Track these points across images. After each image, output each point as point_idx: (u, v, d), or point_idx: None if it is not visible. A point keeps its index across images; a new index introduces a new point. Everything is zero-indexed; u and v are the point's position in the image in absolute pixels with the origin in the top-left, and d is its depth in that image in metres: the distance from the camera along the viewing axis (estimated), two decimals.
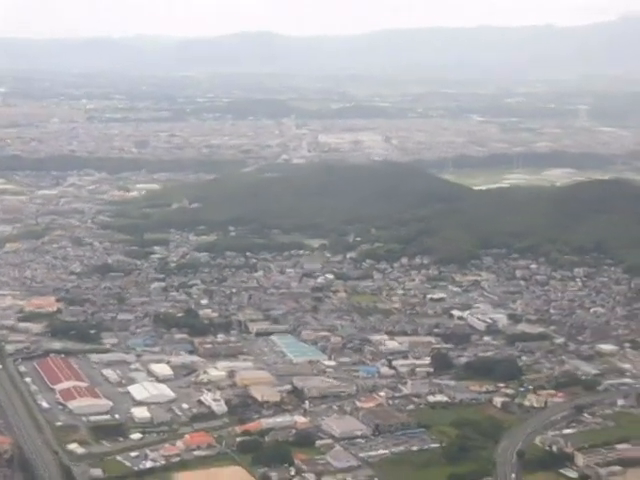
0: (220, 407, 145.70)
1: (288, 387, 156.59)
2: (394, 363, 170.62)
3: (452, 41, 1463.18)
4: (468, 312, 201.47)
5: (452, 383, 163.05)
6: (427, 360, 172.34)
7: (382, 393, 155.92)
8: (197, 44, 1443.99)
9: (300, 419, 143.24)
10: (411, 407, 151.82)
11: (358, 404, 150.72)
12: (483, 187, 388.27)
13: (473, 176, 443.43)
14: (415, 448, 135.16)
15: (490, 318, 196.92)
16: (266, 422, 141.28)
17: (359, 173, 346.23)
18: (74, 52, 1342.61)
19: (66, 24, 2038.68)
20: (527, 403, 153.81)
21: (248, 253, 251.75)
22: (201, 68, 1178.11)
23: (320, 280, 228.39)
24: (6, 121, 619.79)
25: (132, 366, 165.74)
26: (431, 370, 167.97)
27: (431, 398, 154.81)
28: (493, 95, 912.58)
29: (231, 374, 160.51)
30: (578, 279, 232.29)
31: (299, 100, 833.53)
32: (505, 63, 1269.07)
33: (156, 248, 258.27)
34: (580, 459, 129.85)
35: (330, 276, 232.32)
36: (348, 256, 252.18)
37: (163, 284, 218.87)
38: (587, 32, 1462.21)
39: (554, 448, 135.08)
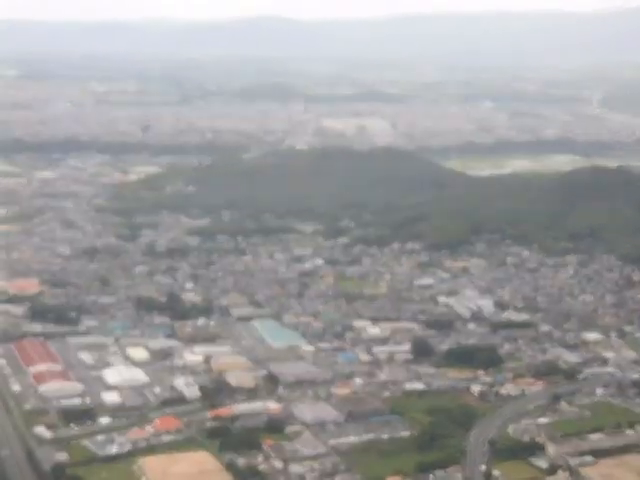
0: (192, 392, 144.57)
1: (264, 372, 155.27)
2: (373, 349, 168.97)
3: (466, 27, 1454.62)
4: (454, 298, 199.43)
5: (431, 370, 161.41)
6: (407, 347, 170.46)
7: (358, 379, 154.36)
8: (206, 27, 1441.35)
9: (272, 405, 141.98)
10: (387, 394, 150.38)
11: (333, 390, 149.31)
12: (485, 173, 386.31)
13: (478, 162, 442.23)
14: (386, 436, 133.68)
15: (476, 305, 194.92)
16: (237, 408, 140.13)
17: (357, 159, 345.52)
18: (88, 34, 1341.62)
19: (82, 6, 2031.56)
20: (504, 391, 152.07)
21: (239, 237, 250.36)
22: (208, 51, 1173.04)
23: (308, 265, 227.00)
24: (14, 103, 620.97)
25: (110, 349, 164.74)
26: (410, 357, 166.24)
27: (408, 385, 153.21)
28: (505, 81, 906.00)
29: (207, 359, 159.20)
30: (570, 266, 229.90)
31: (308, 85, 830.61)
32: (519, 49, 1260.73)
33: (145, 231, 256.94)
34: (551, 449, 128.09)
35: (319, 261, 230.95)
36: (339, 241, 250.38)
37: (148, 267, 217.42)
38: (603, 18, 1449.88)
39: (526, 437, 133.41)
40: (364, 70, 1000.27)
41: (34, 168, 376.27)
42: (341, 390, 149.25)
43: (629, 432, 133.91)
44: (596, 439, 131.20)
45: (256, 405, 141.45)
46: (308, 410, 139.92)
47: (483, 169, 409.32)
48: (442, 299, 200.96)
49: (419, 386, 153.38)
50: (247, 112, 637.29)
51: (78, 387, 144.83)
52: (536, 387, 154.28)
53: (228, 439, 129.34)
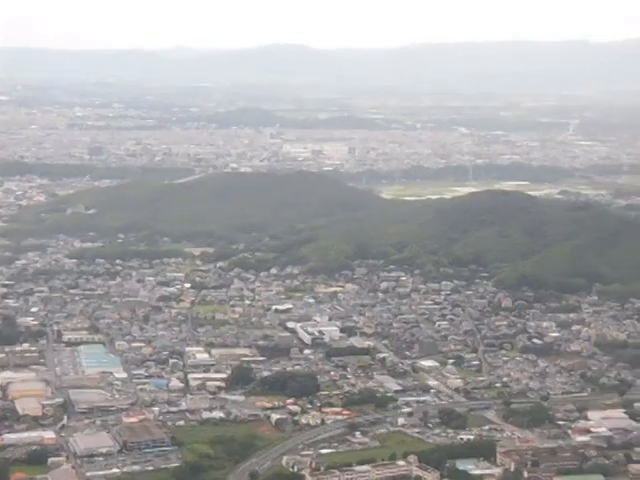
0: None
1: (60, 400, 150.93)
2: (189, 376, 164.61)
3: (482, 55, 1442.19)
4: (300, 324, 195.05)
5: (241, 398, 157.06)
6: (225, 374, 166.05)
7: (156, 408, 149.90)
8: (225, 55, 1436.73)
9: (48, 435, 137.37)
10: (181, 423, 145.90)
11: (124, 419, 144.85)
12: (411, 197, 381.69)
13: (421, 187, 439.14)
14: (151, 467, 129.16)
15: (319, 331, 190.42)
16: (9, 438, 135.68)
17: (272, 181, 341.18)
18: (107, 63, 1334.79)
19: (107, 35, 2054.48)
20: (304, 421, 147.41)
21: (118, 260, 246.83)
22: (224, 79, 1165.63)
23: (173, 289, 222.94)
24: None
25: None
26: (223, 385, 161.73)
27: (206, 414, 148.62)
28: (494, 108, 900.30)
29: (5, 386, 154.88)
30: (443, 292, 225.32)
31: (291, 110, 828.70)
32: (529, 77, 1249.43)
33: (30, 254, 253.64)
34: None
35: (187, 285, 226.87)
36: (218, 265, 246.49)
37: (5, 290, 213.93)
38: (619, 47, 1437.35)
39: (295, 469, 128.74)
40: (363, 97, 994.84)
41: None
42: (130, 419, 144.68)
43: (400, 463, 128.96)
44: (361, 471, 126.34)
45: (30, 435, 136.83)
46: (81, 440, 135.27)
47: (425, 193, 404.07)
48: (291, 325, 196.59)
49: (218, 415, 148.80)
50: (216, 136, 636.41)
51: None
52: (340, 416, 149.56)
53: None
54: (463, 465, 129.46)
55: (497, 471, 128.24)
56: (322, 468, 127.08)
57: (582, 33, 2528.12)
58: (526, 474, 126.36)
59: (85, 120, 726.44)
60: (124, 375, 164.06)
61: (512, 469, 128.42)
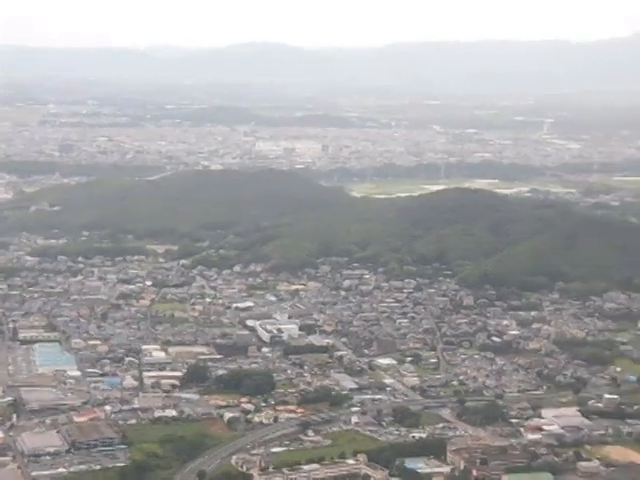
0: None
1: (10, 399, 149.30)
2: (144, 375, 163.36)
3: (464, 55, 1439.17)
4: (260, 322, 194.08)
5: (195, 397, 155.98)
6: (180, 372, 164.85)
7: (108, 407, 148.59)
8: (208, 54, 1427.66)
9: None
10: (133, 421, 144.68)
11: (74, 418, 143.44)
12: (381, 195, 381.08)
13: (393, 185, 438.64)
14: (98, 467, 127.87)
15: (278, 329, 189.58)
16: None
17: (240, 179, 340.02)
18: (97, 61, 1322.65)
19: (92, 34, 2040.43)
20: (257, 419, 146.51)
21: (80, 258, 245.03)
22: (209, 77, 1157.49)
23: (133, 287, 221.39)
24: None
25: None
26: (177, 383, 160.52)
27: (158, 413, 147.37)
28: (470, 107, 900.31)
29: None
30: (405, 290, 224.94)
31: (271, 108, 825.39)
32: (511, 77, 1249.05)
33: None
34: None
35: (148, 282, 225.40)
36: (180, 263, 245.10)
37: None
38: (599, 48, 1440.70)
39: (244, 468, 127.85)
40: (342, 96, 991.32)
41: None
42: (81, 418, 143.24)
43: (350, 462, 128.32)
44: (310, 469, 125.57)
45: None
46: (29, 440, 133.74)
47: (395, 191, 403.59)
48: (251, 323, 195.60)
49: (170, 414, 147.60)
50: (189, 134, 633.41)
51: None
52: (293, 414, 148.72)
53: None
54: (413, 464, 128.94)
55: (446, 470, 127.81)
56: (271, 467, 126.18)
57: (565, 33, 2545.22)
58: (475, 472, 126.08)
59: (58, 117, 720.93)
60: (78, 373, 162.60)
61: (461, 467, 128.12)
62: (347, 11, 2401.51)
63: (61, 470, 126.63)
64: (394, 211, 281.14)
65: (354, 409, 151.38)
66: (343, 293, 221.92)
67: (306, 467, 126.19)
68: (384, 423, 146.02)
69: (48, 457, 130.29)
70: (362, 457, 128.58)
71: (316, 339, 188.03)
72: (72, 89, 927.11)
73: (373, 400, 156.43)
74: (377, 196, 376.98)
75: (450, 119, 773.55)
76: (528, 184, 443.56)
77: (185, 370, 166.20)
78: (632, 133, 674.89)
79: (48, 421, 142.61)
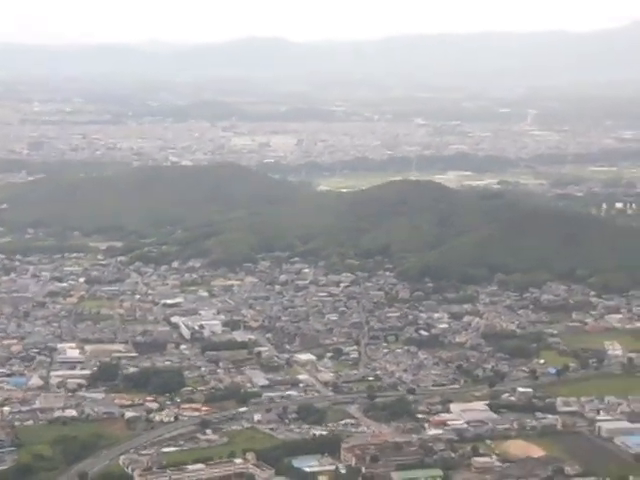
0: None
1: None
2: (51, 374, 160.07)
3: (462, 47, 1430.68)
4: (183, 319, 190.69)
5: (100, 396, 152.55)
6: (90, 371, 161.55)
7: (7, 407, 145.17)
8: (204, 49, 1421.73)
9: None
10: (30, 422, 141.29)
11: None
12: (345, 189, 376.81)
13: (362, 178, 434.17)
14: None
15: (200, 325, 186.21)
16: None
17: (196, 175, 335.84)
18: (88, 57, 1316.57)
19: (81, 29, 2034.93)
20: (157, 418, 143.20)
21: (18, 256, 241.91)
22: (198, 72, 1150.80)
23: (65, 284, 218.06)
24: None
25: None
26: (84, 382, 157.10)
27: (58, 413, 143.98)
28: (459, 99, 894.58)
29: None
30: (342, 284, 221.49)
31: (256, 103, 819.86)
32: (507, 69, 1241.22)
33: None
34: None
35: (81, 280, 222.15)
36: (118, 259, 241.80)
37: None
38: (596, 37, 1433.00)
39: (131, 469, 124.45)
40: (334, 89, 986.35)
41: None
42: None
43: (237, 461, 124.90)
44: (194, 469, 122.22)
45: None
46: None
47: (363, 185, 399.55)
48: (175, 319, 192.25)
49: (70, 414, 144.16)
50: (167, 130, 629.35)
51: None
52: (197, 412, 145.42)
53: None
54: (304, 462, 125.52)
55: (332, 468, 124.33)
56: (155, 467, 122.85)
57: (562, 23, 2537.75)
58: (364, 469, 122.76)
59: (40, 115, 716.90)
60: None
61: (353, 464, 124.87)
62: (344, 4, 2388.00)
63: None
64: (343, 205, 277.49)
65: (260, 406, 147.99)
66: (278, 288, 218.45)
67: (191, 467, 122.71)
68: (287, 420, 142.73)
69: None
70: (250, 456, 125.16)
71: (239, 335, 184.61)
72: (60, 87, 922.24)
73: (282, 397, 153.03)
74: (343, 190, 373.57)
75: (435, 111, 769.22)
76: (500, 176, 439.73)
77: (95, 369, 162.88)
78: (614, 123, 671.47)
79: None
